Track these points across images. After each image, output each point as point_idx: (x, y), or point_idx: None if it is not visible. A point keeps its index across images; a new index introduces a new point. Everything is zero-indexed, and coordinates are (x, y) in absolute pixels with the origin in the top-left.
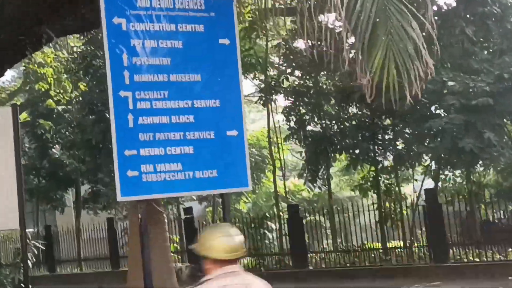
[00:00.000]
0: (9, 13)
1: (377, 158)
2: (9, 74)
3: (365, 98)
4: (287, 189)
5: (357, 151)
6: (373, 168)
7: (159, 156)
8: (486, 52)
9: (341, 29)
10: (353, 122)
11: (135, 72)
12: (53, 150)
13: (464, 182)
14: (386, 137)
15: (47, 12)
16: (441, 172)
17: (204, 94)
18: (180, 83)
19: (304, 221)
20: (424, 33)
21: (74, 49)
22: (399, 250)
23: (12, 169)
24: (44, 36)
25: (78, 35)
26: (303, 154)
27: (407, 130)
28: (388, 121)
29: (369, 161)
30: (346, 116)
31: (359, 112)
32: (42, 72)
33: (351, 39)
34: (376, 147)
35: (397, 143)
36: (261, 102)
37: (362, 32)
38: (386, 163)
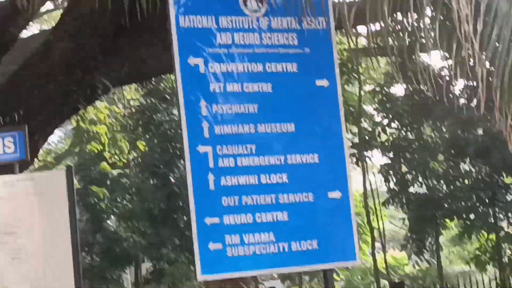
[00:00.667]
0: (58, 60)
1: (498, 223)
2: (56, 134)
3: (483, 152)
4: (387, 264)
5: (472, 216)
6: (492, 236)
7: (247, 224)
8: None
9: (446, 70)
10: (466, 181)
11: (215, 122)
12: (108, 222)
13: None
14: (509, 197)
15: (102, 57)
16: None
17: (300, 148)
18: (270, 135)
19: None
20: None
21: (131, 102)
22: None
23: (66, 245)
24: (99, 87)
25: (136, 86)
26: (406, 221)
27: None
28: (510, 179)
29: (487, 228)
30: (457, 175)
31: (473, 169)
32: (94, 131)
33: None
34: (497, 210)
35: None
36: (354, 159)
37: (501, 67)
38: (510, 229)
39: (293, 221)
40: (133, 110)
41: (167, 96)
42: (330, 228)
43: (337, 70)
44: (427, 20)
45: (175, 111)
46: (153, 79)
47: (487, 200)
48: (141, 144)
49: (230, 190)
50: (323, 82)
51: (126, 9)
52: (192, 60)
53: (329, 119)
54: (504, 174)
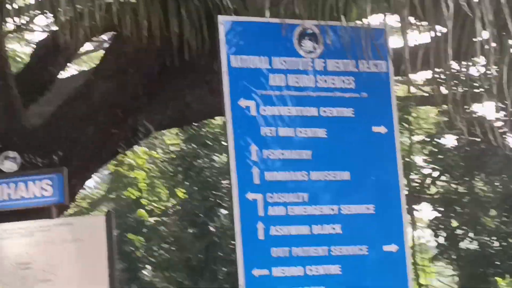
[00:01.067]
0: (99, 100)
1: None
2: (92, 178)
3: None
4: None
5: None
6: None
7: (297, 277)
8: None
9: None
10: None
11: (266, 168)
12: (143, 272)
13: None
14: None
15: (144, 99)
16: None
17: (355, 198)
18: (323, 183)
19: None
20: None
21: (171, 148)
22: None
23: None
24: (141, 130)
25: (177, 131)
26: (455, 278)
27: None
28: None
29: None
30: (510, 231)
31: None
32: (132, 176)
33: None
34: None
35: None
36: None
37: None
38: None
39: (346, 275)
40: (173, 155)
41: (208, 141)
42: (385, 283)
43: (395, 117)
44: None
45: (216, 158)
46: (195, 123)
47: None
48: (180, 191)
49: (280, 240)
50: (380, 129)
51: (174, 48)
52: (243, 102)
53: (386, 168)
54: None
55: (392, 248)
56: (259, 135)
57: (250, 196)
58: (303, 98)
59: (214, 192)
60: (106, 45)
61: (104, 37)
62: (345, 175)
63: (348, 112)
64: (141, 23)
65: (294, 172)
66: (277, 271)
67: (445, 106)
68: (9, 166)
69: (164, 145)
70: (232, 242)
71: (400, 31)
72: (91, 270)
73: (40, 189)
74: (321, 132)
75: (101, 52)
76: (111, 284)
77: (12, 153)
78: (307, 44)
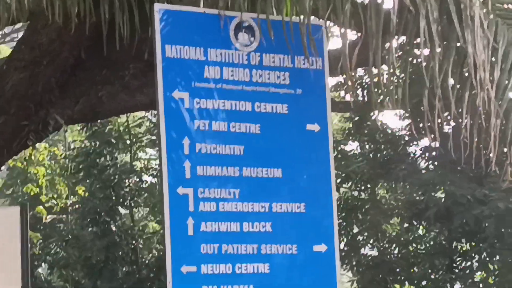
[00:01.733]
0: (10, 92)
1: None
2: None
3: (442, 216)
4: None
5: (423, 283)
6: None
7: (226, 275)
8: None
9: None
10: (420, 246)
11: (198, 163)
12: (39, 270)
13: None
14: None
15: (57, 92)
16: None
17: (286, 196)
18: (255, 180)
19: None
20: None
21: (74, 144)
22: None
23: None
24: (51, 123)
25: (80, 127)
26: (354, 284)
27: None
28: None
29: None
30: (411, 238)
31: (429, 234)
32: (32, 172)
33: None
34: (453, 277)
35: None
36: None
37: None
38: None
39: (275, 274)
40: (75, 153)
41: (112, 139)
42: (313, 283)
43: (329, 115)
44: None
45: (120, 156)
46: (104, 119)
47: (444, 267)
48: (80, 189)
49: (210, 237)
50: (314, 127)
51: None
52: (177, 94)
53: (318, 167)
54: (463, 241)
55: (322, 248)
56: (192, 129)
57: (181, 191)
58: (238, 92)
59: (116, 191)
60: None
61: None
62: (277, 172)
63: (282, 108)
64: (69, 10)
65: (227, 168)
66: (206, 268)
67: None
68: None
69: (65, 142)
70: (133, 242)
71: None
72: (4, 262)
73: None
74: (254, 128)
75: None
76: (23, 275)
77: None
78: (244, 37)
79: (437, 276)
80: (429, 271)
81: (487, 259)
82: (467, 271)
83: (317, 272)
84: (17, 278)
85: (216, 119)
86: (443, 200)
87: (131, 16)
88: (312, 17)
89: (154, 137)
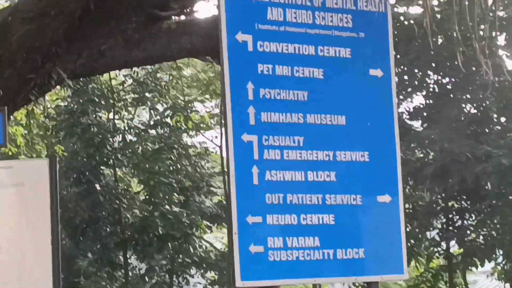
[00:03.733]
0: (18, 43)
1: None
2: None
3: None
4: None
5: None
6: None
7: (291, 226)
8: None
9: None
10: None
11: (263, 109)
12: None
13: None
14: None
15: (63, 45)
16: None
17: (349, 144)
18: (319, 127)
19: None
20: None
21: (53, 103)
22: None
23: (46, 241)
24: (54, 77)
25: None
26: None
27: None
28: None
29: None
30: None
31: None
32: (10, 131)
33: None
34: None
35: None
36: None
37: None
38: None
39: (340, 226)
40: (55, 111)
41: (95, 98)
42: (378, 236)
43: (392, 60)
44: None
45: (103, 115)
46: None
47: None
48: (59, 149)
49: (275, 186)
50: (377, 72)
51: None
52: (241, 36)
53: (381, 114)
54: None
55: (386, 198)
56: (256, 73)
57: (246, 137)
58: (301, 35)
59: (101, 150)
60: None
61: None
62: (341, 120)
63: (345, 52)
64: None
65: (291, 114)
66: (271, 219)
67: None
68: None
69: (45, 100)
70: (117, 201)
71: None
72: (33, 215)
73: None
74: (318, 72)
75: None
76: (53, 229)
77: None
78: None
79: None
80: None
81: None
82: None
83: (383, 225)
84: (47, 233)
85: (280, 63)
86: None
87: None
88: None
89: (137, 96)
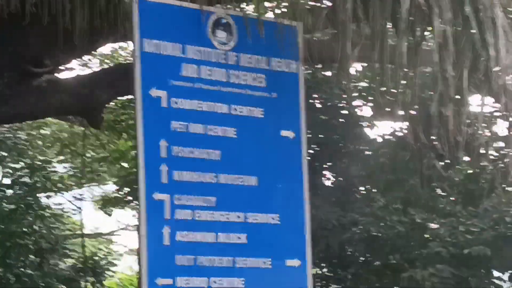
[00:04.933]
0: None
1: None
2: None
3: None
4: None
5: None
6: None
7: None
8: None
9: None
10: None
11: (174, 167)
12: None
13: None
14: None
15: None
16: None
17: (261, 206)
18: (231, 187)
19: None
20: None
21: None
22: None
23: None
24: None
25: None
26: None
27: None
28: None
29: None
30: None
31: None
32: None
33: None
34: None
35: None
36: None
37: None
38: None
39: None
40: None
41: None
42: None
43: (303, 120)
44: None
45: None
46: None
47: None
48: None
49: (185, 248)
50: (288, 133)
51: None
52: (155, 92)
53: (292, 176)
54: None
55: (295, 263)
56: (169, 130)
57: (157, 196)
58: (215, 93)
59: None
60: None
61: None
62: (253, 181)
63: (258, 112)
64: None
65: (203, 174)
66: (181, 281)
67: None
68: None
69: None
70: None
71: None
72: None
73: None
74: (231, 132)
75: None
76: None
77: None
78: (221, 34)
79: None
80: None
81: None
82: None
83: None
84: None
85: (193, 120)
86: None
87: None
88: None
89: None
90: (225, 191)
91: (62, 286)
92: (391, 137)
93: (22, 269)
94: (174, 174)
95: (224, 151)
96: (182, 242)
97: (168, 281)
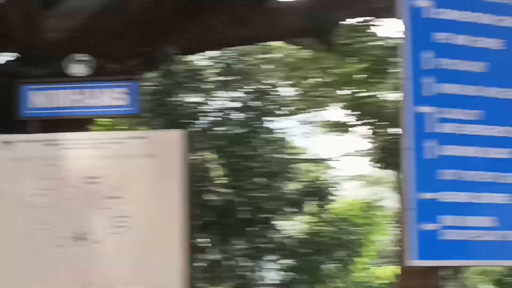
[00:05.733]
0: (132, 16)
1: None
2: None
3: None
4: None
5: None
6: None
7: (466, 204)
8: None
9: None
10: None
11: (439, 79)
12: None
13: None
14: None
15: (177, 18)
16: None
17: None
18: (498, 101)
19: None
20: None
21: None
22: None
23: (177, 215)
24: (165, 52)
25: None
26: None
27: None
28: None
29: None
30: None
31: None
32: None
33: None
34: None
35: None
36: None
37: None
38: None
39: None
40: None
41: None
42: None
43: None
44: None
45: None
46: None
47: None
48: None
49: (450, 161)
50: None
51: None
52: (419, 1)
53: None
54: None
55: None
56: (434, 42)
57: (420, 109)
58: (480, 3)
59: None
60: None
61: None
62: None
63: None
64: None
65: (468, 86)
66: (446, 196)
67: None
68: (81, 70)
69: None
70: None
71: None
72: (164, 188)
73: (113, 98)
74: (496, 43)
75: None
76: (184, 204)
77: (85, 56)
78: None
79: None
80: None
81: None
82: None
83: None
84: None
85: (458, 31)
86: None
87: None
88: None
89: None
90: (491, 105)
91: (290, 209)
92: None
93: (252, 192)
94: (438, 87)
95: (491, 64)
96: (445, 157)
97: (432, 195)
